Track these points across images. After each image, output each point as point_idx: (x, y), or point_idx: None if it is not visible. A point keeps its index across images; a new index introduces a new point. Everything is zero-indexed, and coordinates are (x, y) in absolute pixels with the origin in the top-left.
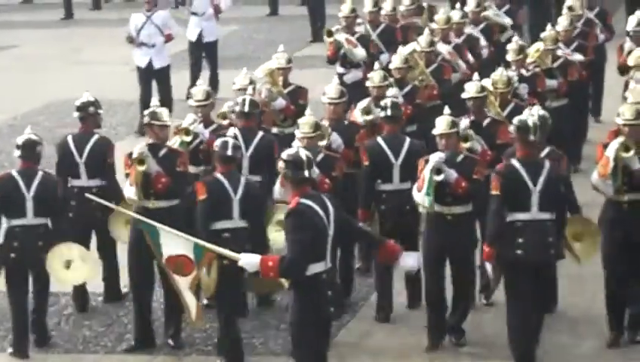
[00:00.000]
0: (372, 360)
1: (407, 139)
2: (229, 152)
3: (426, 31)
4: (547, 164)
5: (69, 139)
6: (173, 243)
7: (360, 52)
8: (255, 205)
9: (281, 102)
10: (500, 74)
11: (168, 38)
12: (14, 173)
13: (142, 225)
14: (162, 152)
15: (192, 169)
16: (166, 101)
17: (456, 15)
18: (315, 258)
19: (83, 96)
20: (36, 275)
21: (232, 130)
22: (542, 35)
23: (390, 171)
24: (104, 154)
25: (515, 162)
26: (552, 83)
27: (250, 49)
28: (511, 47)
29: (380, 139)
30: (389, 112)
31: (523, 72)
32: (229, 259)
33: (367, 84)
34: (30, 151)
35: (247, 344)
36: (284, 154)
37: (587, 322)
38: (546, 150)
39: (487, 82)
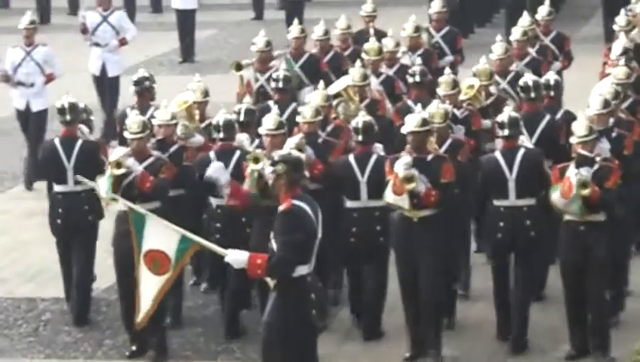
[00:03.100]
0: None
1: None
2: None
3: (358, 63)
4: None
5: (128, 111)
6: (157, 236)
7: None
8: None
9: (198, 139)
10: (435, 107)
11: (49, 78)
12: (56, 140)
13: (131, 214)
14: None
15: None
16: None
17: (390, 43)
18: (303, 260)
19: (138, 72)
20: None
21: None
22: (474, 68)
23: None
24: None
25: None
26: (486, 123)
27: (226, 53)
28: (443, 79)
29: (410, 102)
30: (417, 78)
31: (456, 111)
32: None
33: (298, 118)
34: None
35: (226, 349)
36: (279, 156)
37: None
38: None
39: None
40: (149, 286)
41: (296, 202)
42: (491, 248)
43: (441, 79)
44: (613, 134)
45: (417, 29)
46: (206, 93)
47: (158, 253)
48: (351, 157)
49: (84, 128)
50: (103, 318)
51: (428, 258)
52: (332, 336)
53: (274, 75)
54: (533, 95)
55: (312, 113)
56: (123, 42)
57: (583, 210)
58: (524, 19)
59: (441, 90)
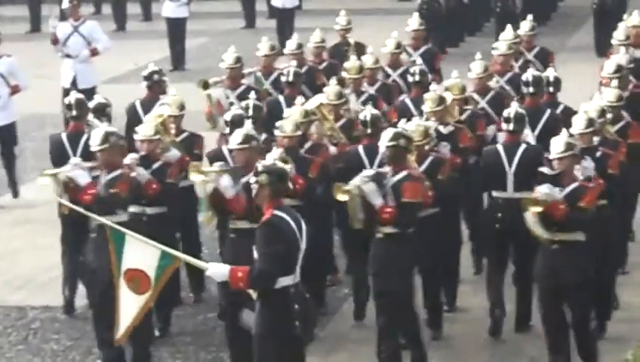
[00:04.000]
0: None
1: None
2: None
3: (333, 80)
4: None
5: (137, 103)
6: (137, 254)
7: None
8: None
9: (174, 154)
10: (415, 124)
11: (15, 90)
12: (63, 135)
13: (109, 231)
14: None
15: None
16: (11, 165)
17: (369, 60)
18: (285, 271)
19: (148, 66)
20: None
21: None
22: (446, 83)
23: None
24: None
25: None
26: None
27: (217, 62)
28: (429, 96)
29: (407, 100)
30: (417, 78)
31: (441, 128)
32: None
33: (277, 133)
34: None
35: (215, 358)
36: (263, 166)
37: None
38: None
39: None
40: (129, 305)
41: (277, 212)
42: (488, 238)
43: (426, 96)
44: (598, 153)
45: (399, 46)
46: (182, 107)
47: (137, 271)
48: (360, 148)
49: (96, 124)
50: (91, 327)
51: (394, 279)
52: (321, 347)
53: (284, 71)
54: (532, 90)
55: (292, 128)
56: (94, 52)
57: (543, 229)
58: (508, 33)
59: (426, 107)
